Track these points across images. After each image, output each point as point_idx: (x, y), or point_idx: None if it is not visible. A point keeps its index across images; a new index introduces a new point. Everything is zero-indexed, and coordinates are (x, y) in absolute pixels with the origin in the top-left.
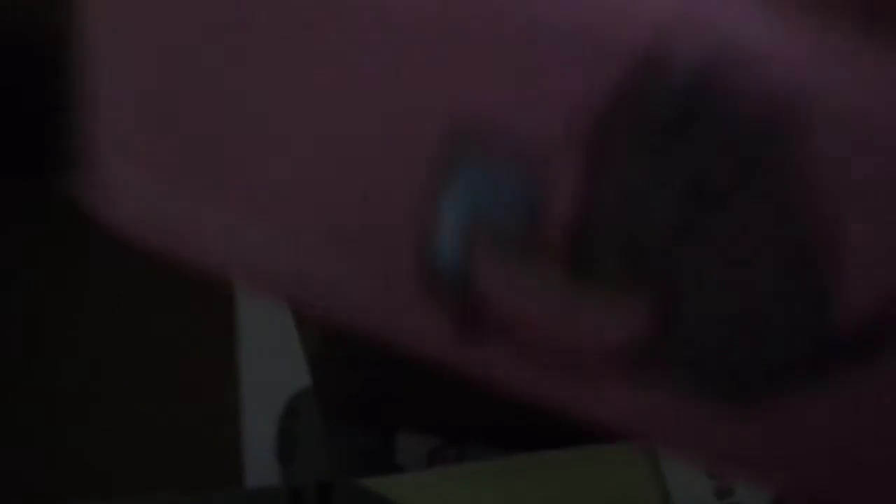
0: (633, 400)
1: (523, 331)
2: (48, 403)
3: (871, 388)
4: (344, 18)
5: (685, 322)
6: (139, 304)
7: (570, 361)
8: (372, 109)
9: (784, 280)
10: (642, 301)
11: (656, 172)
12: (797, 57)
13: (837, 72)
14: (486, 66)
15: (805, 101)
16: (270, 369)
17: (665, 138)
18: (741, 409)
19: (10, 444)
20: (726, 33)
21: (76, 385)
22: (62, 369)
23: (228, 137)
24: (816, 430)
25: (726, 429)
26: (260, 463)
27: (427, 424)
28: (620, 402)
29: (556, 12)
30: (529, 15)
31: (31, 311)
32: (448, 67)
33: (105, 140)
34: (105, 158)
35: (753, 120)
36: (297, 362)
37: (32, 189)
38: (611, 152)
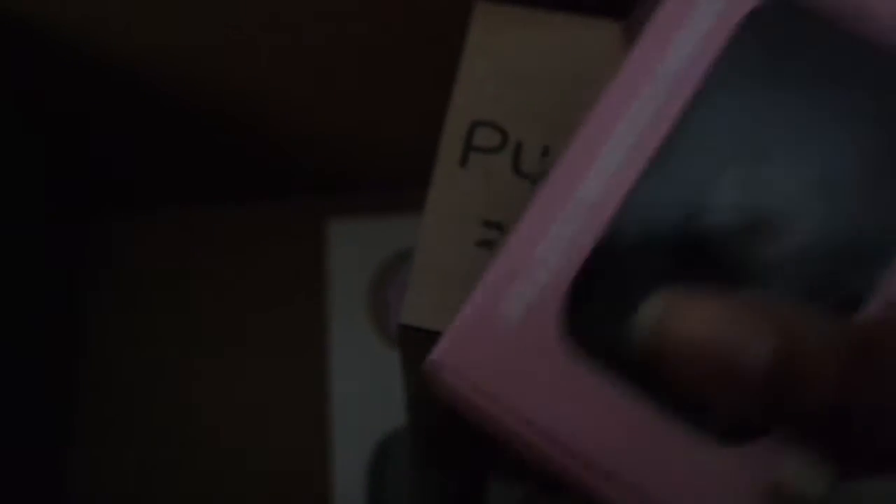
0: None
1: None
2: (139, 425)
3: None
4: None
5: None
6: (232, 335)
7: None
8: None
9: None
10: None
11: None
12: None
13: None
14: None
15: None
16: (361, 412)
17: None
18: None
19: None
20: None
21: (166, 413)
22: (155, 399)
23: None
24: None
25: None
26: (350, 502)
27: (519, 471)
28: None
29: None
30: None
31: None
32: None
33: None
34: None
35: None
36: (387, 405)
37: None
38: None
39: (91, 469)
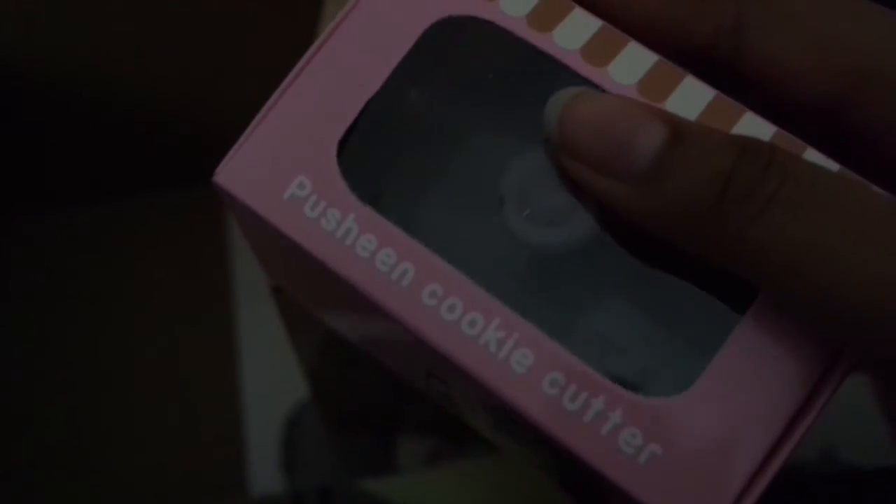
0: None
1: None
2: (57, 417)
3: None
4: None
5: None
6: (141, 322)
7: None
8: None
9: None
10: None
11: None
12: None
13: None
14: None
15: None
16: (271, 381)
17: None
18: None
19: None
20: None
21: (84, 402)
22: (71, 384)
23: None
24: None
25: None
26: (264, 472)
27: (425, 426)
28: None
29: None
30: None
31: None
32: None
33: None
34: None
35: None
36: (296, 374)
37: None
38: None
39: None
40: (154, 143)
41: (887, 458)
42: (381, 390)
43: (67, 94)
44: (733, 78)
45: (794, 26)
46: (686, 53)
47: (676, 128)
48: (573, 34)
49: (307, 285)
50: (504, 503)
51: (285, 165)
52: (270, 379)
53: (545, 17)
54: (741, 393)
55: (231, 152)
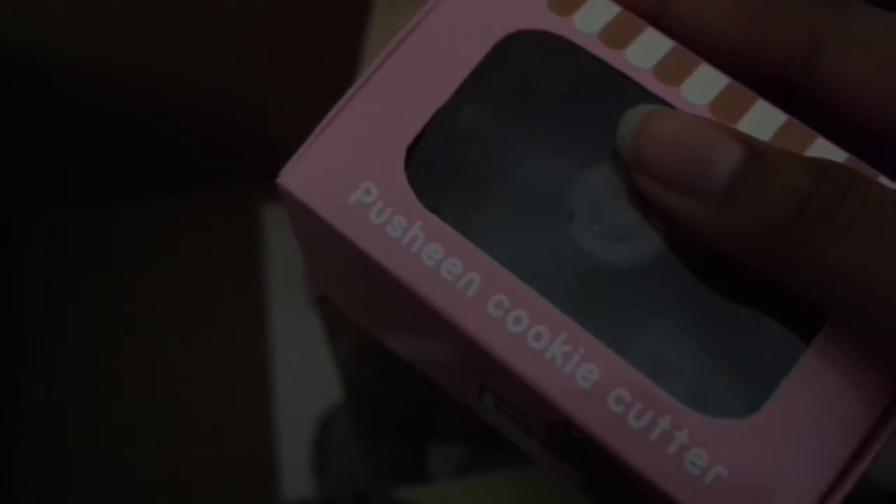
0: None
1: None
2: (82, 421)
3: None
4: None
5: None
6: (174, 324)
7: None
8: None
9: None
10: None
11: None
12: None
13: None
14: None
15: None
16: (304, 386)
17: None
18: None
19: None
20: None
21: (113, 405)
22: (99, 386)
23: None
24: None
25: None
26: (295, 476)
27: (457, 434)
28: None
29: None
30: None
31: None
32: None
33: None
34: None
35: None
36: (329, 379)
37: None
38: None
39: (41, 459)
40: (186, 143)
41: None
42: (414, 398)
43: (95, 94)
44: (806, 101)
45: (869, 50)
46: (759, 75)
47: (754, 148)
48: (646, 53)
49: (363, 295)
50: None
51: (351, 171)
52: (303, 382)
53: (618, 34)
54: (808, 419)
55: (297, 155)
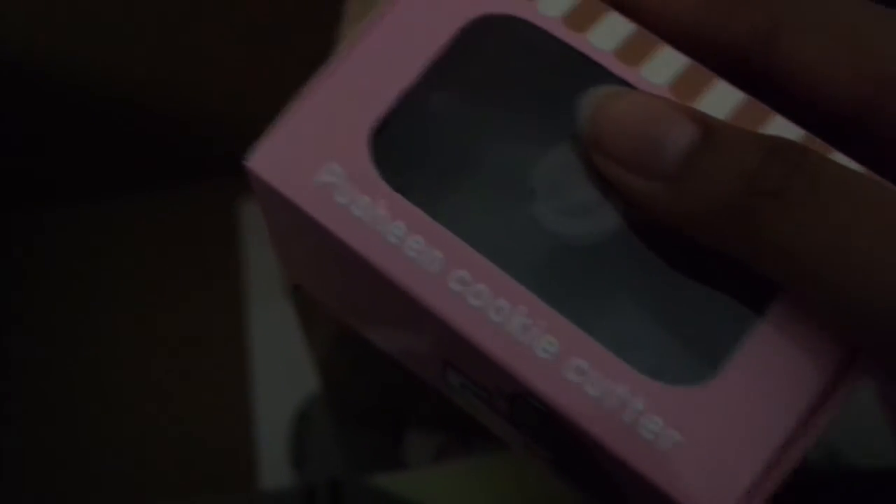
0: None
1: None
2: (62, 412)
3: None
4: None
5: None
6: (151, 317)
7: None
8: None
9: None
10: None
11: None
12: None
13: None
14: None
15: None
16: (282, 377)
17: None
18: None
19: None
20: None
21: (90, 397)
22: (77, 378)
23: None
24: None
25: None
26: (273, 466)
27: (434, 422)
28: None
29: None
30: None
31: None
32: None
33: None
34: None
35: None
36: (307, 370)
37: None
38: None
39: (15, 448)
40: (163, 137)
41: (892, 459)
42: (391, 386)
43: (69, 91)
44: (767, 83)
45: (827, 32)
46: (720, 57)
47: (707, 127)
48: (608, 35)
49: (330, 276)
50: (510, 499)
51: (317, 152)
52: (281, 373)
53: (581, 18)
54: (760, 386)
55: (264, 138)
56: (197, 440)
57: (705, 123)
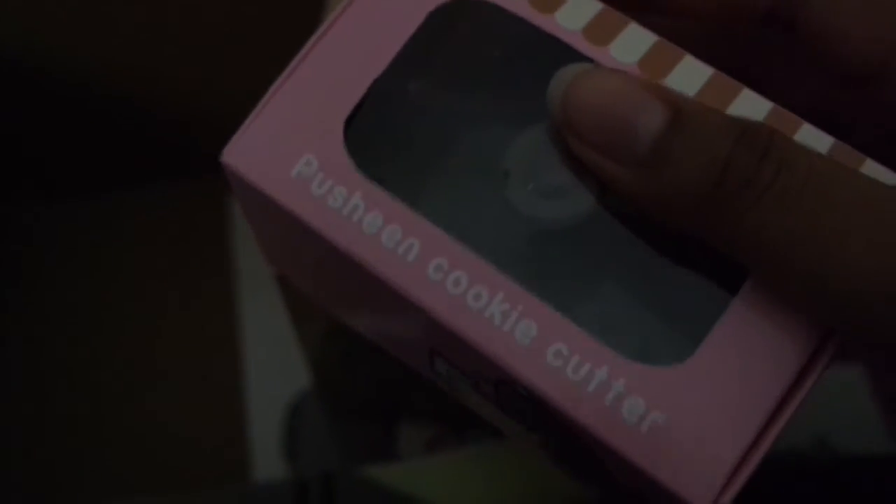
0: None
1: None
2: (58, 406)
3: None
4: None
5: None
6: (142, 311)
7: None
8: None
9: None
10: None
11: None
12: None
13: None
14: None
15: None
16: (275, 371)
17: None
18: None
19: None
20: None
21: (85, 392)
22: (71, 373)
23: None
24: None
25: None
26: (266, 459)
27: (428, 414)
28: None
29: None
30: None
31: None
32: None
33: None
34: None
35: None
36: (300, 363)
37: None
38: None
39: (10, 444)
40: (153, 134)
41: (881, 445)
42: (383, 379)
43: (59, 87)
44: (790, 47)
45: None
46: (746, 24)
47: (676, 110)
48: (575, 15)
49: (311, 268)
50: (503, 489)
51: (292, 145)
52: (273, 367)
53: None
54: (740, 364)
55: (238, 132)
56: (190, 434)
57: (675, 105)
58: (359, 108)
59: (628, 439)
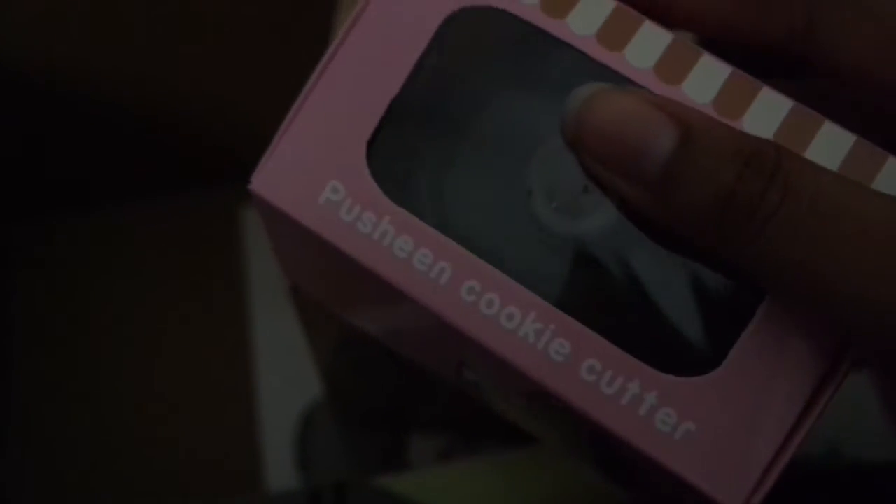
0: None
1: None
2: (68, 418)
3: None
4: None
5: None
6: (156, 322)
7: None
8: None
9: None
10: None
11: None
12: None
13: None
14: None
15: None
16: (286, 381)
17: None
18: None
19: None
20: None
21: (97, 401)
22: (83, 382)
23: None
24: None
25: None
26: (278, 469)
27: (437, 424)
28: None
29: None
30: None
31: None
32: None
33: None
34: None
35: None
36: (311, 374)
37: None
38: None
39: (22, 457)
40: (164, 145)
41: (894, 454)
42: (395, 389)
43: (71, 96)
44: (808, 75)
45: (866, 19)
46: (761, 52)
47: (687, 127)
48: (587, 18)
49: (338, 287)
50: (515, 499)
51: (317, 170)
52: (285, 377)
53: (559, 4)
54: (765, 373)
55: (264, 159)
56: (202, 444)
57: (686, 123)
58: (379, 128)
59: (663, 448)
